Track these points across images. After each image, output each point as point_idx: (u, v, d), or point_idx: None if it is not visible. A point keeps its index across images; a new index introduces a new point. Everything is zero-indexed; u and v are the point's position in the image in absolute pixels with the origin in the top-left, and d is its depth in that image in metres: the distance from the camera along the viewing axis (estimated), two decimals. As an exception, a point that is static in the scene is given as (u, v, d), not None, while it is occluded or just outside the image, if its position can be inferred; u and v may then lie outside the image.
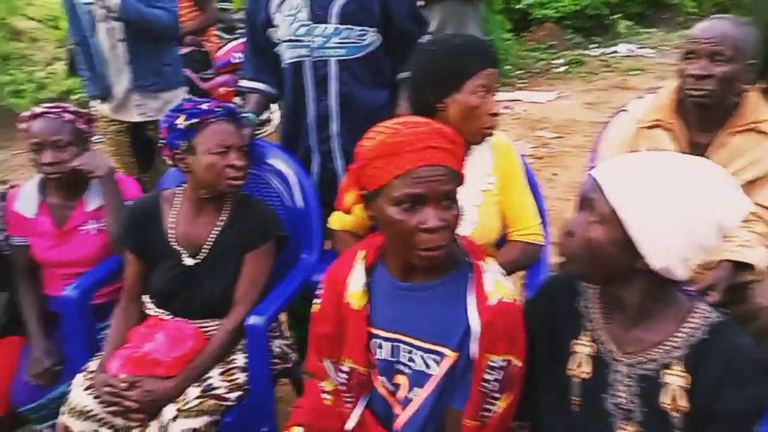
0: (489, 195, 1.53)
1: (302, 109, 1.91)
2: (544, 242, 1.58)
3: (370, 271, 1.17)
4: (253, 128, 1.91)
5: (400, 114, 1.99)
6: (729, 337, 0.95)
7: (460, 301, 1.07)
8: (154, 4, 2.48)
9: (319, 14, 1.80)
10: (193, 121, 1.52)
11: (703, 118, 1.63)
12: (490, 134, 1.48)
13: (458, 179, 1.05)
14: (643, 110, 1.72)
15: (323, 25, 1.80)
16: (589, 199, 0.95)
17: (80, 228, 1.81)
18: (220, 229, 1.59)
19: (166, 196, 1.65)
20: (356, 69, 1.86)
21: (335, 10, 1.79)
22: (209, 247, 1.58)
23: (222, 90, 4.04)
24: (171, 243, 1.58)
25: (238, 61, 4.07)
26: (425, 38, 2.00)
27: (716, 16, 1.66)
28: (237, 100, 4.29)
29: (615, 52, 7.38)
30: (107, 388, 1.45)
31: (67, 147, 1.73)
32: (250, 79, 2.01)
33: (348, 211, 1.13)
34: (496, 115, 1.45)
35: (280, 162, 1.87)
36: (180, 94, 2.69)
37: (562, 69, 6.74)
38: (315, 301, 1.23)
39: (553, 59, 7.10)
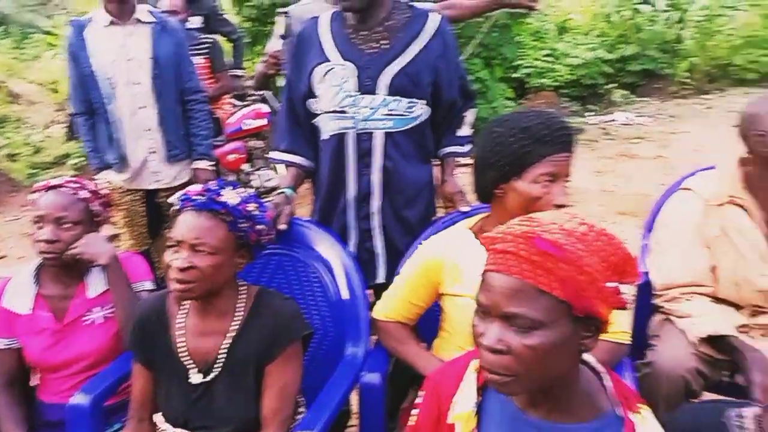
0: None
1: (341, 183, 1.78)
2: (629, 341, 1.41)
3: (483, 389, 0.97)
4: (292, 205, 1.76)
5: (444, 190, 1.87)
6: None
7: None
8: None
9: (367, 84, 1.70)
10: None
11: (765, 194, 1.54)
12: None
13: (548, 305, 0.81)
14: (710, 187, 1.63)
15: (371, 96, 1.71)
16: None
17: (83, 319, 1.58)
18: (232, 339, 1.34)
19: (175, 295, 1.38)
20: (402, 142, 1.76)
21: (385, 80, 1.70)
22: (222, 362, 1.33)
23: (232, 157, 3.94)
24: (180, 355, 1.35)
25: (248, 127, 3.99)
26: (471, 112, 1.91)
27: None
28: (246, 167, 4.19)
29: (613, 120, 7.45)
30: None
31: (72, 226, 1.54)
32: (285, 151, 1.87)
33: None
34: (560, 206, 1.29)
35: (322, 245, 1.70)
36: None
37: (563, 136, 6.76)
38: (412, 412, 1.04)
39: (554, 127, 7.14)
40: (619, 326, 1.39)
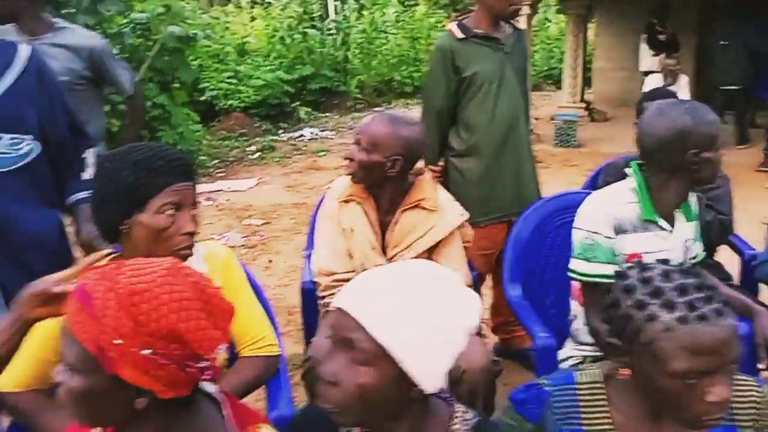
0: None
1: None
2: (280, 351, 1.43)
3: None
4: None
5: (81, 239, 1.67)
6: None
7: None
8: None
9: None
10: None
11: (381, 198, 1.79)
12: (188, 255, 1.28)
13: (81, 354, 0.78)
14: (342, 187, 1.84)
15: None
16: (347, 339, 0.83)
17: None
18: None
19: None
20: (12, 184, 1.52)
21: None
22: None
23: None
24: None
25: None
26: (91, 152, 1.74)
27: (381, 112, 1.84)
28: None
29: (302, 136, 7.91)
30: None
31: None
32: None
33: None
34: (191, 234, 1.27)
35: None
36: None
37: (256, 156, 6.89)
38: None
39: (247, 147, 7.24)
40: (268, 340, 1.41)
